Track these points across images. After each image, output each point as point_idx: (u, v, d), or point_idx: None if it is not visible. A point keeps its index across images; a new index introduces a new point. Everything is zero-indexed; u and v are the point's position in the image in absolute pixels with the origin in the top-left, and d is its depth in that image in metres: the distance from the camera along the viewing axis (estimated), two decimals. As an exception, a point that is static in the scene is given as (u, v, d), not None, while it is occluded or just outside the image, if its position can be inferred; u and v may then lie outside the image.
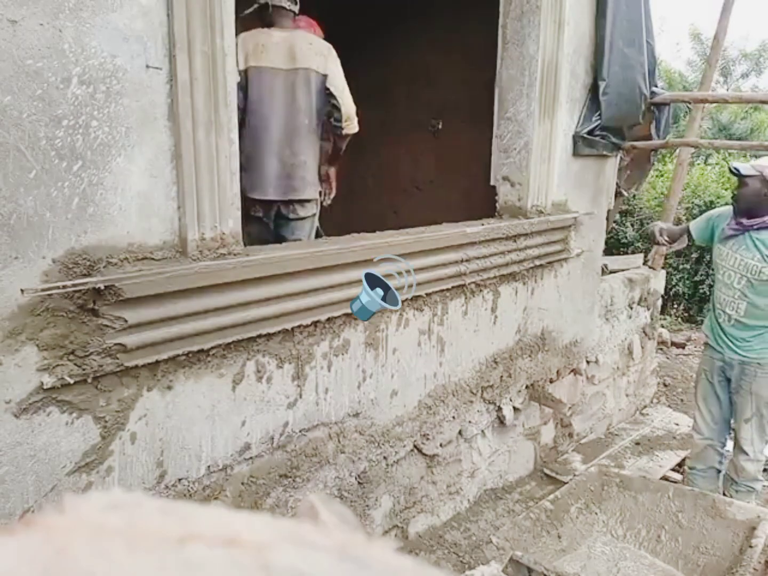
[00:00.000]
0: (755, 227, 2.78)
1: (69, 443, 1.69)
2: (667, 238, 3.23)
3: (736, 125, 12.50)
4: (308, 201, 2.98)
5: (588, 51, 3.39)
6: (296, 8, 2.95)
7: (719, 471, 3.16)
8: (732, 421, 3.08)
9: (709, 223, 3.08)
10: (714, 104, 7.71)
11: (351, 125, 2.96)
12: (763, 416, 2.88)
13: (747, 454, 2.92)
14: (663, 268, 4.74)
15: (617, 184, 3.94)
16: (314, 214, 3.05)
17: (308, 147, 2.92)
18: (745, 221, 2.80)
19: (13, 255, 1.52)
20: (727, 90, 14.90)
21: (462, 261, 2.76)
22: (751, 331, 2.85)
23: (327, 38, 3.07)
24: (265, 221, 2.97)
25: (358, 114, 2.99)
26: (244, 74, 2.78)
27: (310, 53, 2.86)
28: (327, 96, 2.91)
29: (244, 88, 2.76)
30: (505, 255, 3.00)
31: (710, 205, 6.76)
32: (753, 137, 12.28)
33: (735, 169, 2.82)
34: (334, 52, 2.94)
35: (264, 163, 2.85)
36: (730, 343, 2.93)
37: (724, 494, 2.96)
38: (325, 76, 2.88)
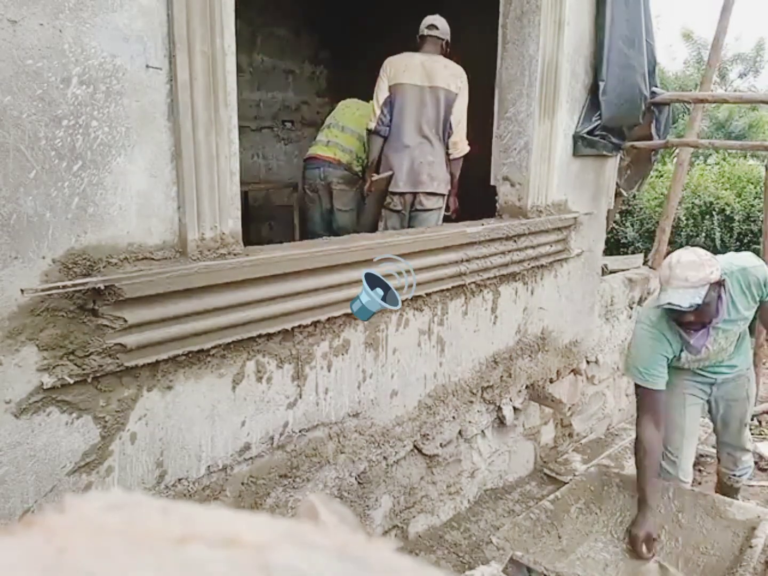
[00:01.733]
0: (719, 322, 2.42)
1: (69, 443, 1.69)
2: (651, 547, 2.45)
3: (735, 123, 12.48)
4: (433, 194, 3.45)
5: (588, 51, 3.39)
6: (444, 36, 3.46)
7: None
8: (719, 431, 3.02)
9: (661, 362, 2.52)
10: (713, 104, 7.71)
11: (455, 150, 3.46)
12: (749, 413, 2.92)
13: (749, 450, 2.96)
14: (663, 268, 4.73)
15: (617, 184, 3.93)
16: (440, 208, 3.53)
17: (435, 151, 3.41)
18: (708, 326, 2.39)
19: (13, 255, 1.52)
20: (725, 90, 14.88)
21: (462, 261, 2.76)
22: (737, 353, 2.69)
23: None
24: (402, 213, 3.50)
25: (468, 137, 3.49)
26: (390, 91, 3.33)
27: (444, 74, 3.36)
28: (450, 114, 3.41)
29: (390, 103, 3.33)
30: (505, 255, 3.00)
31: (710, 206, 6.75)
32: (750, 133, 12.27)
33: (679, 306, 2.25)
34: (465, 79, 3.42)
35: (398, 162, 3.39)
36: (719, 374, 2.75)
37: (722, 492, 2.96)
38: (456, 95, 3.38)
